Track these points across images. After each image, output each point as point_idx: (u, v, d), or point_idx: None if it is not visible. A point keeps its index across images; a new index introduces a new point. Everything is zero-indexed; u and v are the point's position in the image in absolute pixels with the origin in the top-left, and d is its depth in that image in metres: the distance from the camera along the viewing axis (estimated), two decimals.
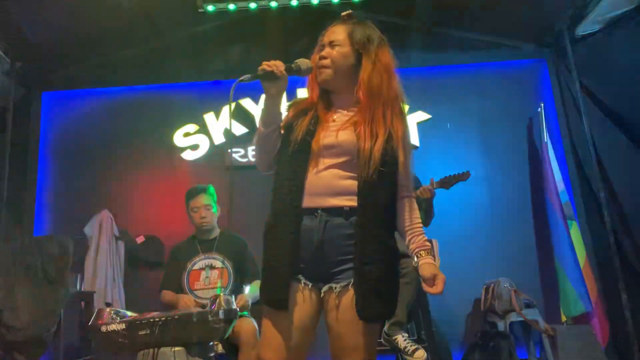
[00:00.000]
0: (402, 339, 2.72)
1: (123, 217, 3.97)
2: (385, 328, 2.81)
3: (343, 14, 1.68)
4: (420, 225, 1.64)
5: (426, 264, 1.57)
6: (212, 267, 2.98)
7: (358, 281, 1.45)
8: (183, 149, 4.16)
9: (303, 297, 1.50)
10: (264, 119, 1.60)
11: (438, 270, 1.56)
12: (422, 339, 2.99)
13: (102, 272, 3.65)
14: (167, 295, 2.98)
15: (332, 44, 1.61)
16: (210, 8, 3.79)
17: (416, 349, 2.65)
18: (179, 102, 4.25)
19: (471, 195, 3.84)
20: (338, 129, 1.56)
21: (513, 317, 3.13)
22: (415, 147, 4.11)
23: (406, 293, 2.79)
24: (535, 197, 3.91)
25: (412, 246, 1.61)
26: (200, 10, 3.77)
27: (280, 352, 1.46)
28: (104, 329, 2.01)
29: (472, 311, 3.73)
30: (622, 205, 3.55)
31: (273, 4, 3.82)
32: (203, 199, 3.07)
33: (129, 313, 2.14)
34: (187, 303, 2.83)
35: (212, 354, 2.21)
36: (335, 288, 1.48)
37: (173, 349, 1.99)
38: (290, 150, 1.55)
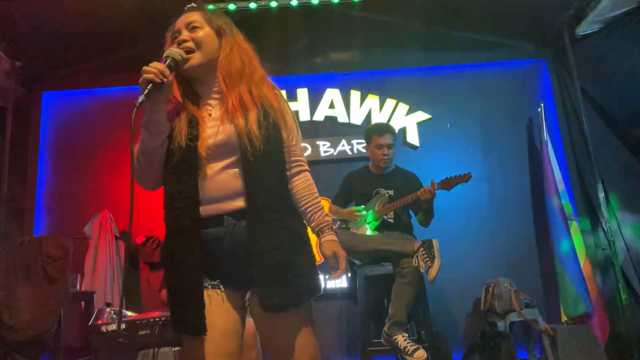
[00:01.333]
0: (402, 339, 2.72)
1: (123, 217, 3.97)
2: (385, 328, 2.81)
3: (189, 6, 1.54)
4: (318, 200, 1.49)
5: (328, 242, 1.43)
6: None
7: (258, 272, 1.32)
8: None
9: (223, 307, 1.37)
10: (151, 131, 1.37)
11: (339, 247, 1.43)
12: (422, 339, 2.99)
13: (102, 272, 3.65)
14: (165, 293, 2.97)
15: (190, 26, 1.45)
16: (210, 7, 3.79)
17: (416, 349, 2.65)
18: None
19: (471, 195, 3.84)
20: (219, 124, 1.39)
21: (513, 317, 3.13)
22: (415, 147, 4.11)
23: (406, 293, 2.79)
24: (535, 197, 3.91)
25: (312, 224, 1.46)
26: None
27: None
28: (104, 329, 2.01)
29: (472, 311, 3.73)
30: (622, 204, 3.55)
31: (273, 4, 3.82)
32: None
33: (129, 313, 2.14)
34: None
35: None
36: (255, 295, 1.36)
37: (173, 349, 2.00)
38: (175, 160, 1.36)
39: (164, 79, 1.32)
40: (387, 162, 3.21)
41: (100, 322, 2.05)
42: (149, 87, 1.31)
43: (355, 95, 4.16)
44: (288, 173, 1.45)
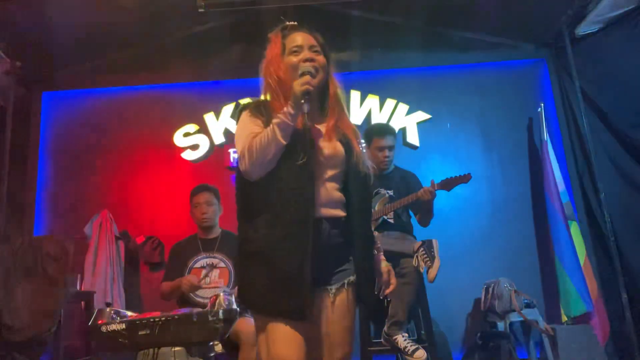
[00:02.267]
0: (402, 339, 2.72)
1: (123, 217, 3.97)
2: (385, 328, 2.81)
3: (290, 23, 1.70)
4: None
5: (382, 260, 1.71)
6: (213, 267, 2.98)
7: (357, 271, 1.59)
8: (183, 149, 4.16)
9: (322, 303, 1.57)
10: (287, 132, 1.50)
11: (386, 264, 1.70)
12: (422, 339, 2.99)
13: (102, 272, 3.65)
14: (166, 284, 2.97)
15: (312, 49, 1.62)
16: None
17: (416, 349, 2.65)
18: (179, 102, 4.25)
19: (471, 195, 3.84)
20: (328, 139, 1.60)
21: (513, 317, 3.13)
22: (415, 147, 4.11)
23: (406, 293, 2.79)
24: (535, 197, 3.91)
25: None
26: (200, 10, 3.76)
27: (301, 354, 1.47)
28: (104, 329, 2.01)
29: (472, 311, 3.73)
30: (622, 204, 3.55)
31: (273, 5, 3.82)
32: (206, 196, 3.09)
33: (129, 313, 2.14)
34: (190, 280, 2.83)
35: (212, 354, 2.22)
36: (331, 289, 1.56)
37: (173, 349, 2.00)
38: (297, 160, 1.51)
39: (312, 88, 1.51)
40: (388, 164, 3.20)
41: (100, 322, 2.05)
42: (306, 89, 1.48)
43: (355, 95, 4.16)
44: None
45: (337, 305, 1.56)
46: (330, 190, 1.58)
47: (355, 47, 4.17)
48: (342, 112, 1.68)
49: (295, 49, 1.61)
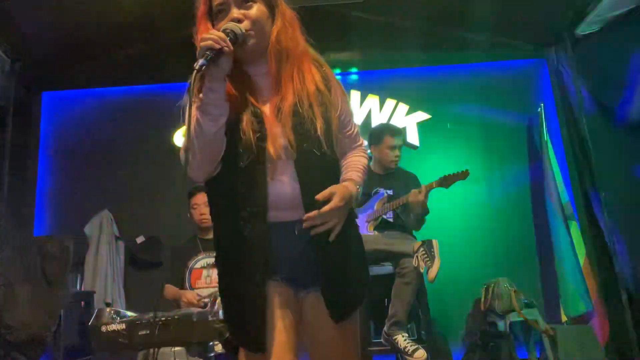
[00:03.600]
0: (402, 339, 2.72)
1: (123, 217, 3.97)
2: (385, 328, 2.81)
3: None
4: (359, 164, 1.43)
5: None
6: (213, 266, 2.99)
7: (325, 280, 1.31)
8: None
9: (287, 300, 1.30)
10: (210, 113, 1.20)
11: (343, 188, 1.29)
12: (422, 339, 2.99)
13: (102, 272, 3.65)
14: (171, 289, 2.97)
15: (242, 2, 1.27)
16: None
17: (416, 349, 2.65)
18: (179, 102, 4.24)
19: (471, 195, 3.84)
20: (278, 122, 1.27)
21: (513, 317, 3.13)
22: (415, 147, 4.11)
23: (406, 293, 2.79)
24: (535, 197, 3.91)
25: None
26: None
27: None
28: (104, 329, 2.01)
29: (472, 311, 3.72)
30: (622, 204, 3.55)
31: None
32: (203, 197, 3.08)
33: (129, 313, 2.14)
34: (189, 299, 2.83)
35: (212, 354, 2.22)
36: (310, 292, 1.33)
37: (173, 349, 2.00)
38: (243, 159, 1.24)
39: (225, 47, 1.15)
40: (397, 164, 3.21)
41: (100, 322, 2.05)
42: (207, 53, 1.14)
43: (355, 95, 4.16)
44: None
45: (319, 311, 1.32)
46: (291, 189, 1.26)
47: (355, 47, 4.17)
48: (297, 67, 1.32)
49: (221, 8, 1.28)
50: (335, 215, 1.24)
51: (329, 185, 1.26)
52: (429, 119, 4.13)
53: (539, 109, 3.88)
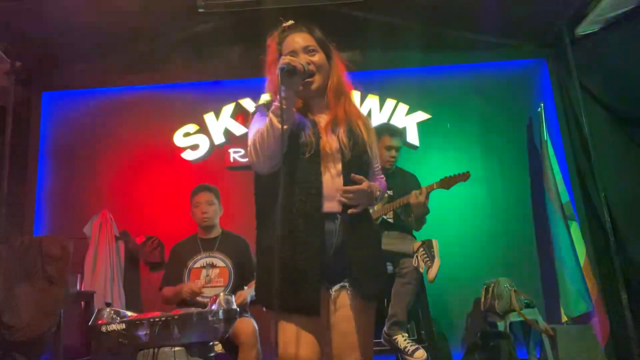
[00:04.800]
0: (402, 339, 2.72)
1: (123, 217, 3.97)
2: (385, 328, 2.81)
3: (287, 23, 1.70)
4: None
5: None
6: (212, 266, 2.99)
7: (357, 267, 1.58)
8: (183, 149, 4.16)
9: (325, 299, 1.56)
10: (283, 117, 1.51)
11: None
12: (422, 339, 2.99)
13: (102, 272, 3.65)
14: (167, 290, 2.98)
15: (308, 50, 1.63)
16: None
17: (416, 349, 2.65)
18: (179, 102, 4.24)
19: (471, 195, 3.84)
20: (326, 133, 1.61)
21: (513, 317, 3.13)
22: (415, 147, 4.11)
23: (406, 293, 2.79)
24: (535, 197, 3.91)
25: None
26: (200, 10, 3.76)
27: (315, 352, 1.49)
28: (104, 329, 2.01)
29: (472, 311, 3.73)
30: (622, 204, 3.55)
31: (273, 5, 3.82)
32: (206, 196, 3.10)
33: (129, 313, 2.14)
34: (190, 287, 2.83)
35: (212, 354, 2.22)
36: (348, 287, 1.56)
37: (173, 349, 2.00)
38: (305, 153, 1.55)
39: (298, 66, 1.51)
40: (393, 165, 3.21)
41: (100, 322, 2.05)
42: (286, 65, 1.49)
43: (355, 95, 4.15)
44: None
45: (339, 306, 1.56)
46: (338, 184, 1.56)
47: (355, 47, 4.17)
48: (346, 102, 1.69)
49: (291, 55, 1.61)
50: (363, 195, 1.57)
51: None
52: (429, 119, 4.13)
53: (539, 109, 3.88)
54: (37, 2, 3.48)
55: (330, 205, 1.55)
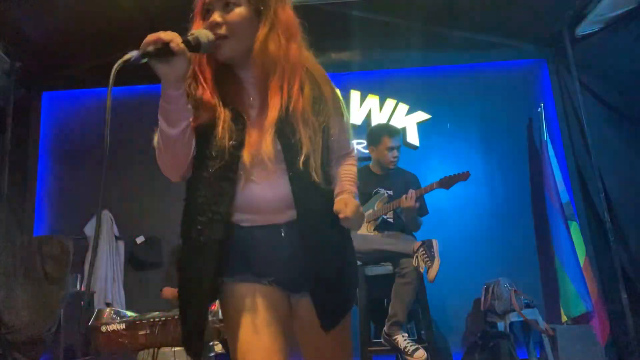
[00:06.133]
0: (402, 339, 2.72)
1: (123, 217, 3.97)
2: (385, 328, 2.81)
3: None
4: (350, 172, 1.39)
5: (342, 198, 1.29)
6: None
7: (314, 286, 1.29)
8: None
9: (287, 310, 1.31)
10: (168, 117, 1.17)
11: (352, 199, 1.28)
12: (422, 339, 2.99)
13: (102, 272, 3.65)
14: (168, 291, 2.98)
15: (224, 3, 1.21)
16: None
17: (416, 349, 2.65)
18: None
19: (471, 195, 3.84)
20: (265, 129, 1.22)
21: (513, 317, 3.13)
22: (415, 147, 4.11)
23: (406, 293, 2.79)
24: (535, 197, 3.91)
25: (336, 190, 1.34)
26: None
27: None
28: (104, 329, 2.01)
29: (472, 311, 3.73)
30: (622, 204, 3.55)
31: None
32: None
33: (129, 313, 2.14)
34: None
35: (212, 354, 2.22)
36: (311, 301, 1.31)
37: (173, 349, 2.00)
38: (212, 165, 1.21)
39: (172, 44, 1.09)
40: (395, 164, 3.21)
41: (100, 322, 2.05)
42: (147, 46, 1.10)
43: (355, 95, 4.16)
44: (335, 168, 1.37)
45: (306, 318, 1.30)
46: (273, 190, 1.23)
47: (355, 47, 4.17)
48: (284, 77, 1.24)
49: (208, 7, 1.24)
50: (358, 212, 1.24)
51: (316, 189, 1.23)
52: (429, 119, 4.13)
53: (539, 109, 3.88)
54: (37, 2, 3.48)
55: (269, 219, 1.23)
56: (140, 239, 3.94)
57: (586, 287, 3.40)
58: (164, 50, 1.09)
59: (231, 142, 1.20)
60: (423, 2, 3.80)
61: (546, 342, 3.10)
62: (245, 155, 1.20)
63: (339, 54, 4.23)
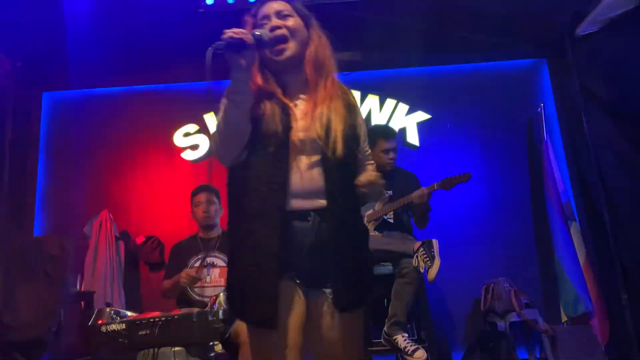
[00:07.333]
0: (402, 339, 2.72)
1: (123, 217, 3.97)
2: (385, 328, 2.81)
3: None
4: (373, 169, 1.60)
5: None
6: (213, 266, 2.99)
7: (335, 271, 1.39)
8: (183, 149, 4.16)
9: (296, 301, 1.34)
10: (235, 100, 1.34)
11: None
12: (422, 339, 2.99)
13: (102, 272, 3.65)
14: (166, 282, 2.98)
15: (280, 15, 1.43)
16: (209, 1, 3.79)
17: (416, 349, 2.65)
18: (179, 102, 4.24)
19: (471, 195, 3.84)
20: (304, 119, 1.40)
21: (513, 317, 3.13)
22: (415, 147, 4.11)
23: (406, 293, 2.79)
24: (535, 197, 3.91)
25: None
26: (200, 10, 3.76)
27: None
28: (104, 329, 2.02)
29: (472, 311, 3.73)
30: (622, 204, 3.55)
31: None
32: (207, 195, 3.10)
33: (129, 313, 2.14)
34: (188, 273, 2.81)
35: (212, 354, 2.22)
36: (328, 292, 1.37)
37: (173, 349, 2.00)
38: (267, 145, 1.35)
39: (245, 38, 1.30)
40: (392, 166, 3.21)
41: (100, 322, 2.05)
42: (226, 39, 1.31)
43: (355, 95, 4.13)
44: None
45: (319, 313, 1.36)
46: (313, 177, 1.37)
47: (355, 47, 4.17)
48: (328, 81, 1.46)
49: (263, 22, 1.44)
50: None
51: (347, 181, 1.41)
52: (429, 119, 4.13)
53: (539, 109, 3.88)
54: (37, 2, 3.48)
55: (301, 203, 1.34)
56: (140, 239, 3.94)
57: (586, 287, 3.40)
58: (239, 44, 1.31)
59: (281, 126, 1.36)
60: (423, 2, 3.80)
61: (546, 342, 3.10)
62: (295, 139, 1.37)
63: (339, 53, 4.21)
